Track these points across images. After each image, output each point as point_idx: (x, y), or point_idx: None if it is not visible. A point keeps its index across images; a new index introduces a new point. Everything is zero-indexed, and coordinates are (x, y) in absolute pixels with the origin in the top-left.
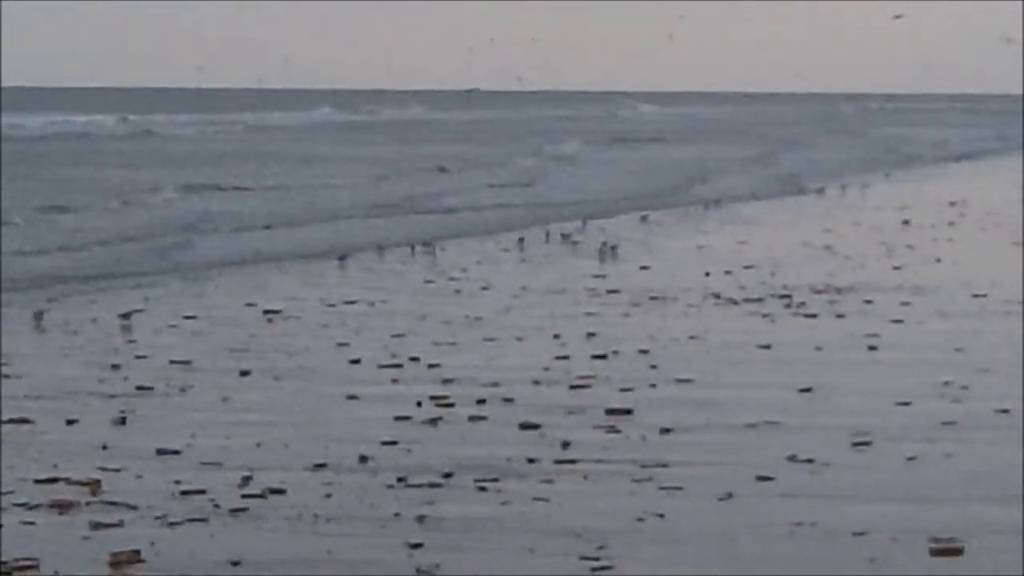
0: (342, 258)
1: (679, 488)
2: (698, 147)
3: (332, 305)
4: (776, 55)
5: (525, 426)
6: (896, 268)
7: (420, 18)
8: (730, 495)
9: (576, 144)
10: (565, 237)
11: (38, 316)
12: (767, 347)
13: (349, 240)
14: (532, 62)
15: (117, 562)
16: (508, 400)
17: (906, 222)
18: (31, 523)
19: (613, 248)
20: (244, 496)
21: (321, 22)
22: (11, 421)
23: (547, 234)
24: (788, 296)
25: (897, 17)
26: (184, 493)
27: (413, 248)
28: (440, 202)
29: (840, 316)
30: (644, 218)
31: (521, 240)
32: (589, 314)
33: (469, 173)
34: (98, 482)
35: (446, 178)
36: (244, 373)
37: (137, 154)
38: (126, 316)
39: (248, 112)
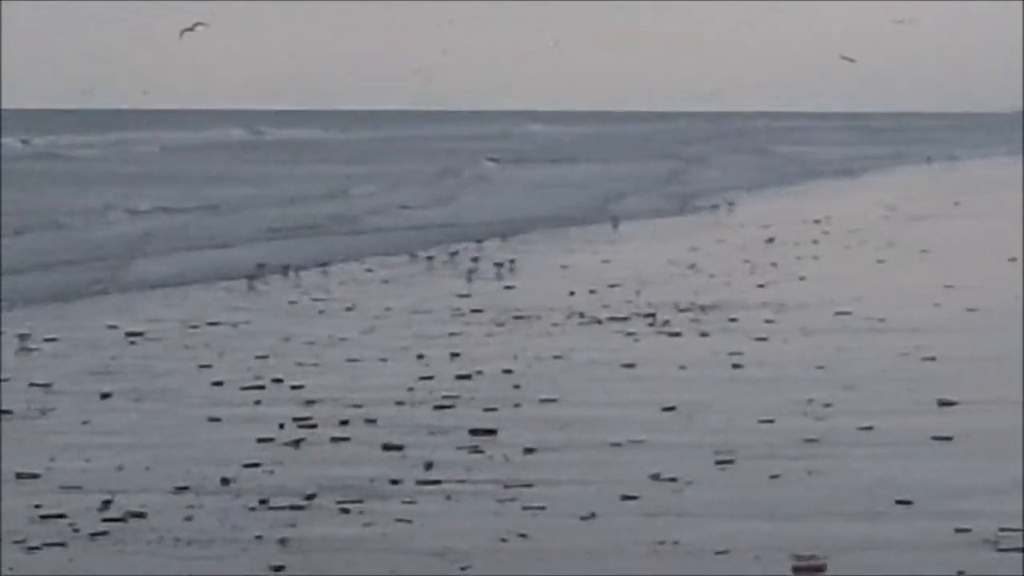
0: (212, 280)
1: (542, 508)
2: (603, 166)
3: (195, 327)
4: (660, 74)
5: (388, 447)
6: (760, 286)
7: (318, 38)
8: (593, 515)
9: (483, 164)
10: (431, 258)
11: None
12: (631, 366)
13: (230, 263)
14: (416, 82)
15: None
16: (371, 421)
17: (771, 240)
18: None
19: (480, 268)
20: (104, 520)
21: (218, 41)
22: None
23: (423, 255)
24: (652, 314)
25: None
26: (43, 517)
27: (286, 270)
28: (339, 223)
29: (704, 334)
30: (523, 237)
31: (393, 261)
32: (453, 334)
33: (374, 193)
34: None
35: (350, 198)
36: (105, 396)
37: (48, 175)
38: None
39: (160, 132)
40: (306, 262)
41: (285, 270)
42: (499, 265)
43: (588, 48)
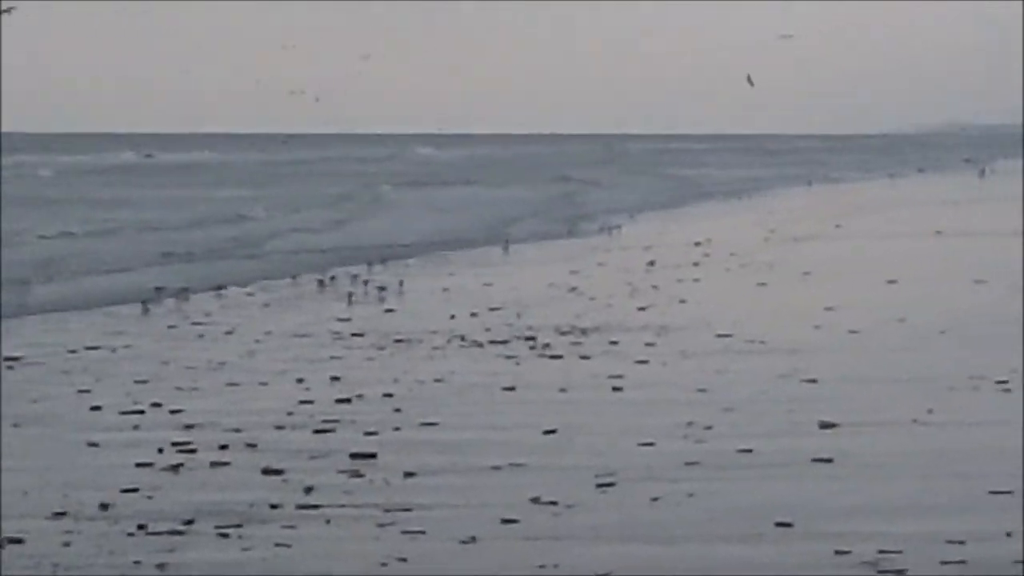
0: (99, 305)
1: (422, 532)
2: (495, 189)
3: (74, 351)
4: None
5: (268, 471)
6: (641, 309)
7: (205, 62)
8: (473, 538)
9: (376, 187)
10: (316, 282)
11: None
12: (512, 389)
13: (120, 288)
14: (300, 105)
15: None
16: (251, 445)
17: (652, 263)
18: None
19: (363, 291)
20: None
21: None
22: None
23: (306, 279)
24: (533, 338)
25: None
26: None
27: (174, 294)
28: (231, 246)
29: (585, 357)
30: (408, 261)
31: (276, 285)
32: (334, 358)
33: (265, 216)
34: None
35: (242, 222)
36: None
37: None
38: None
39: (55, 155)
40: (191, 286)
41: (172, 294)
42: (382, 289)
43: (476, 71)
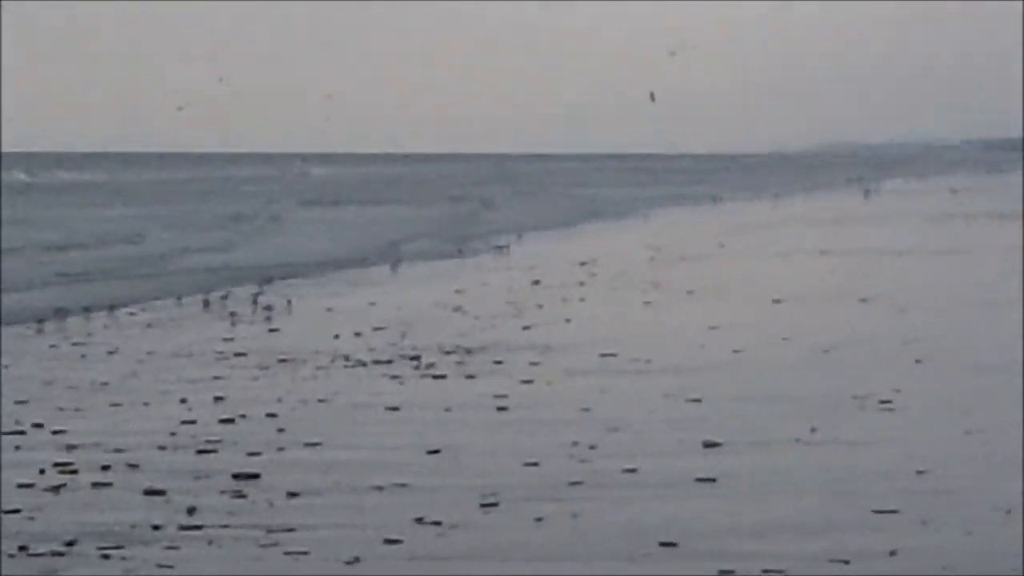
0: None
1: (305, 552)
2: (388, 208)
3: None
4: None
5: (150, 492)
6: (526, 328)
7: (76, 82)
8: (357, 559)
9: (273, 206)
10: (200, 302)
11: None
12: (396, 408)
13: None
14: (182, 124)
15: None
16: (133, 466)
17: (537, 282)
18: None
19: (250, 310)
20: None
21: None
22: None
23: (189, 298)
24: (418, 357)
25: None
26: None
27: (59, 314)
28: (120, 266)
29: (470, 376)
30: (294, 280)
31: (159, 305)
32: (217, 378)
33: (153, 235)
34: None
35: (131, 242)
36: None
37: None
38: None
39: None
40: (77, 306)
41: (56, 314)
42: (268, 308)
43: (360, 90)
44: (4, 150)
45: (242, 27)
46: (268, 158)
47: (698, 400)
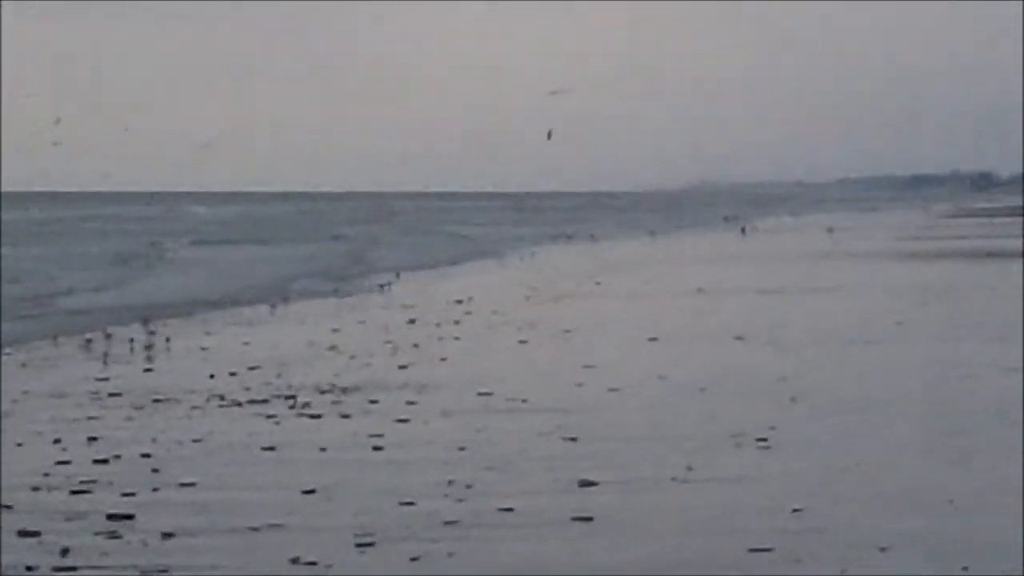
0: None
1: None
2: (274, 247)
3: None
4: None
5: (24, 533)
6: (402, 367)
7: None
8: None
9: (161, 246)
10: (79, 342)
11: None
12: (271, 449)
13: None
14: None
15: None
16: (7, 507)
17: (413, 321)
18: None
19: (128, 350)
20: None
21: None
22: None
23: (65, 338)
24: (293, 396)
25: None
26: None
27: None
28: (12, 306)
29: (345, 416)
30: (172, 320)
31: (37, 345)
32: (91, 418)
33: (53, 275)
34: None
35: (26, 281)
36: None
37: None
38: None
39: None
40: None
41: None
42: (148, 347)
43: (238, 129)
44: None
45: (123, 62)
46: (150, 197)
47: (574, 439)
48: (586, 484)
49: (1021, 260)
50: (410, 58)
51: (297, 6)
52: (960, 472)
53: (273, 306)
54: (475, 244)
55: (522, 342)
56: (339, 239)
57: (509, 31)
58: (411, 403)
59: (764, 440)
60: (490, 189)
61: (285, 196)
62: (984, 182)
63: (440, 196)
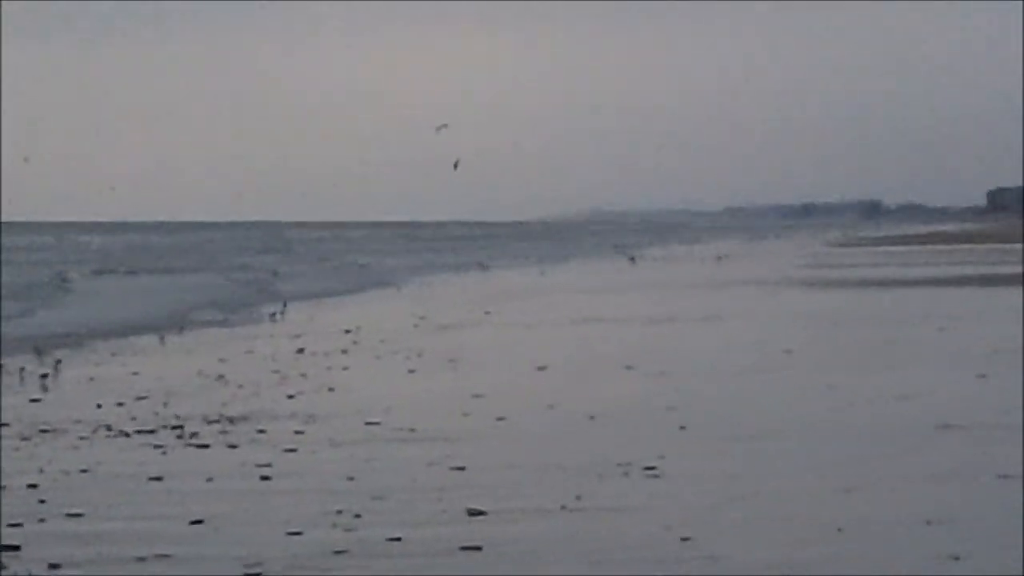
0: None
1: None
2: (172, 277)
3: None
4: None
5: None
6: (290, 396)
7: None
8: None
9: (61, 276)
10: None
11: None
12: (159, 479)
13: None
14: None
15: None
16: None
17: (301, 350)
18: None
19: (18, 380)
20: None
21: None
22: None
23: None
24: (180, 426)
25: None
26: None
27: None
28: None
29: (233, 446)
30: (62, 351)
31: None
32: None
33: None
34: None
35: None
36: None
37: None
38: None
39: None
40: None
41: None
42: (41, 377)
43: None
44: None
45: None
46: (43, 227)
47: (462, 468)
48: (474, 513)
49: (911, 288)
50: (307, 89)
51: (193, 39)
52: (849, 500)
53: (163, 336)
54: (368, 273)
55: (411, 371)
56: (236, 269)
57: (407, 62)
58: (299, 432)
59: (653, 468)
60: (383, 219)
61: (179, 226)
62: (873, 211)
63: (335, 225)
